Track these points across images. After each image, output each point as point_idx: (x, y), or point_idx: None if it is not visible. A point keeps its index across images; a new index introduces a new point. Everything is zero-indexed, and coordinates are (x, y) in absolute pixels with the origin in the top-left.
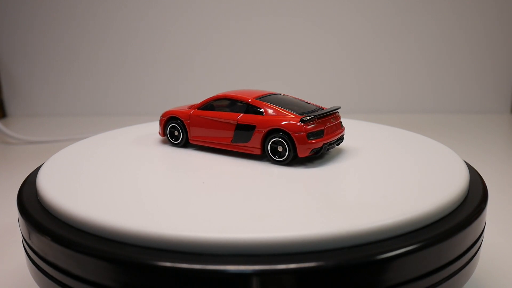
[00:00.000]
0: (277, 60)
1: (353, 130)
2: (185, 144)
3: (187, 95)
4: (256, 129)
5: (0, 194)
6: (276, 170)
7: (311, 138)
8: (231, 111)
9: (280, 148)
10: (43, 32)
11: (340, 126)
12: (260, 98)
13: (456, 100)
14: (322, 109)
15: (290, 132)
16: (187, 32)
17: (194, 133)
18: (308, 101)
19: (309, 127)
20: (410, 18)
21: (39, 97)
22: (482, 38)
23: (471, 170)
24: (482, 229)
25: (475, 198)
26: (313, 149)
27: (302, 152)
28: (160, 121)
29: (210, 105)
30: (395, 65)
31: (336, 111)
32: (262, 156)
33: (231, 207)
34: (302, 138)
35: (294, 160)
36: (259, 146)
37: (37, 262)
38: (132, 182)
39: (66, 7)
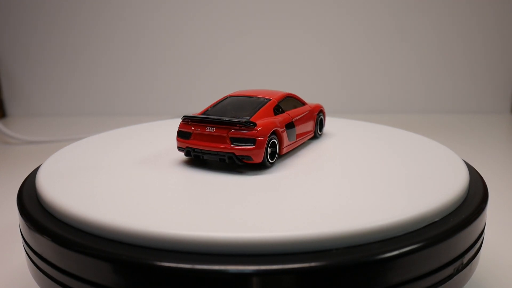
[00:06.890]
0: (276, 60)
1: (353, 130)
2: None
3: (187, 96)
4: None
5: (0, 194)
6: (280, 171)
7: (180, 136)
8: None
9: None
10: (43, 32)
11: (227, 142)
12: (232, 97)
13: (455, 100)
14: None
15: None
16: (187, 32)
17: None
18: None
19: (180, 124)
20: (410, 18)
21: (39, 97)
22: (482, 38)
23: (471, 170)
24: (482, 229)
25: (475, 198)
26: (178, 147)
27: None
28: None
29: None
30: (395, 65)
31: (223, 123)
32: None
33: (231, 208)
34: (177, 133)
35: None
36: None
37: (37, 262)
38: (132, 182)
39: (66, 7)
